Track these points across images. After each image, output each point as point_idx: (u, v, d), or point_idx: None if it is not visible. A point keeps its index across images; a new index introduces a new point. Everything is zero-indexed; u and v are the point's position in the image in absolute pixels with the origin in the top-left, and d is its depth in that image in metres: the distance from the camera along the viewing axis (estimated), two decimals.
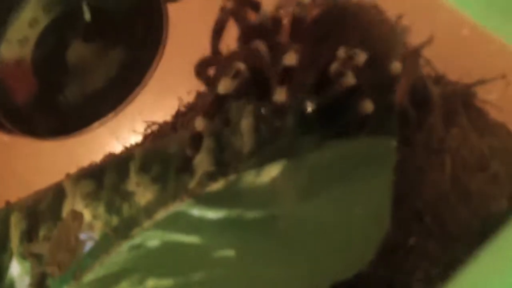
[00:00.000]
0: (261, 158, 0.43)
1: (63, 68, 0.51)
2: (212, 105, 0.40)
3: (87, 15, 0.50)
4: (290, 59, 0.38)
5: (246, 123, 0.48)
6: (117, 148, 0.53)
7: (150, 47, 0.54)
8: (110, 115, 0.52)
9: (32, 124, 0.51)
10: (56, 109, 0.52)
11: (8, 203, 0.48)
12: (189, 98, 0.57)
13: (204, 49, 0.57)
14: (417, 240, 0.42)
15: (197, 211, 0.39)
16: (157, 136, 0.55)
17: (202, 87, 0.59)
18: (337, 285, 0.36)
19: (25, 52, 0.48)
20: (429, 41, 0.48)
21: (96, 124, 0.52)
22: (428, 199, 0.44)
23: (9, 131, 0.49)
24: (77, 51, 0.52)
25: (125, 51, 0.54)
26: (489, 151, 0.47)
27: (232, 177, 0.41)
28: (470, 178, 0.45)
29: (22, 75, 0.48)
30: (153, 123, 0.57)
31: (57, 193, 0.45)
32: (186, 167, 0.45)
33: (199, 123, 0.40)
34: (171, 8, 0.55)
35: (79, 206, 0.43)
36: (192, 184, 0.44)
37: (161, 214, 0.40)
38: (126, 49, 0.54)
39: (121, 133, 0.56)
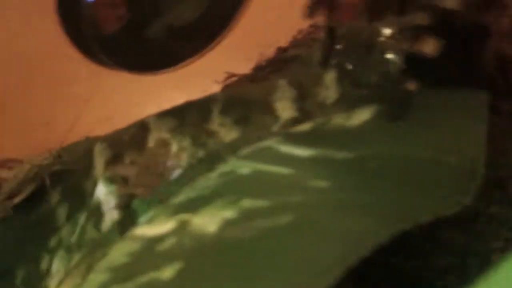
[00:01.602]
0: (349, 105, 0.43)
1: (152, 1, 0.52)
2: None
3: None
4: None
5: (330, 76, 0.48)
6: (196, 95, 0.53)
7: None
8: (192, 59, 0.53)
9: (120, 55, 0.51)
10: (144, 42, 0.52)
11: (88, 137, 0.49)
12: (270, 53, 0.57)
13: (288, 5, 0.58)
14: (498, 209, 0.41)
15: (284, 148, 0.39)
16: (236, 86, 0.56)
17: (283, 43, 0.59)
18: (412, 250, 0.36)
19: None
20: None
21: (181, 64, 0.53)
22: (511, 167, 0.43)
23: (99, 61, 0.49)
24: None
25: None
26: None
27: (320, 119, 0.41)
28: None
29: (115, 3, 0.49)
30: (233, 74, 0.57)
31: (141, 127, 0.45)
32: (267, 111, 0.45)
33: None
34: None
35: (165, 137, 0.43)
36: (275, 127, 0.44)
37: (247, 150, 0.40)
38: None
39: (201, 82, 0.56)
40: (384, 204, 0.32)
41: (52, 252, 0.40)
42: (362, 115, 0.39)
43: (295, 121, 0.44)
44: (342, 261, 0.27)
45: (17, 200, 0.44)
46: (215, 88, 0.57)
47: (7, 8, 0.52)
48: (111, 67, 0.51)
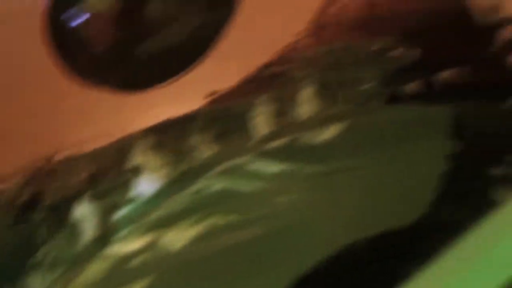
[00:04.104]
0: (320, 121, 0.44)
1: (140, 23, 0.53)
2: None
3: None
4: None
5: (308, 93, 0.49)
6: (180, 111, 0.54)
7: (223, 11, 0.55)
8: (177, 76, 0.54)
9: (106, 75, 0.53)
10: (129, 64, 0.54)
11: (72, 155, 0.50)
12: (254, 69, 0.58)
13: (273, 22, 0.59)
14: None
15: (257, 164, 0.40)
16: (219, 103, 0.57)
17: (267, 59, 0.60)
18: None
19: (110, 2, 0.50)
20: None
21: (168, 81, 0.54)
22: None
23: (84, 81, 0.51)
24: (155, 7, 0.53)
25: (200, 12, 0.55)
26: None
27: (292, 135, 0.43)
28: None
29: (104, 25, 0.50)
30: (217, 90, 0.58)
31: (122, 145, 0.47)
32: (246, 127, 0.46)
33: None
34: None
35: (143, 157, 0.44)
36: (252, 143, 0.45)
37: (222, 167, 0.41)
38: (201, 10, 0.55)
39: (186, 97, 0.57)
40: (348, 214, 0.33)
41: (30, 272, 0.41)
42: (331, 130, 0.41)
43: (271, 136, 0.45)
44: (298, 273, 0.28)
45: (19, 203, 0.45)
46: (201, 104, 0.58)
47: None
48: (100, 86, 0.53)
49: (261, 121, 0.47)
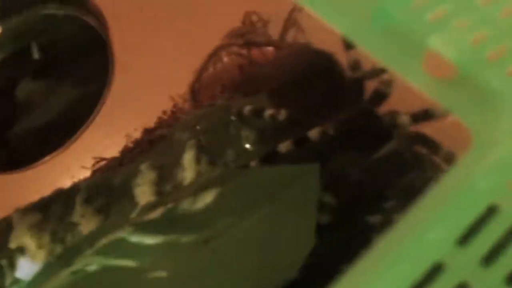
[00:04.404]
0: (197, 187, 0.45)
1: (12, 104, 0.54)
2: None
3: (36, 54, 0.53)
4: None
5: (188, 157, 0.50)
6: (66, 183, 0.55)
7: (97, 84, 0.56)
8: (59, 150, 0.55)
9: None
10: (6, 144, 0.54)
11: None
12: (136, 135, 0.60)
13: (151, 88, 0.60)
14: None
15: (135, 238, 0.41)
16: (105, 171, 0.57)
17: (148, 124, 0.61)
18: None
19: None
20: None
21: (45, 159, 0.54)
22: None
23: None
24: (26, 88, 0.54)
25: (73, 88, 0.56)
26: None
27: (170, 205, 0.44)
28: None
29: None
30: (102, 159, 0.59)
31: (5, 225, 0.47)
32: (129, 197, 0.47)
33: None
34: (120, 47, 0.58)
35: (25, 237, 0.45)
36: (133, 214, 0.46)
37: (102, 242, 0.42)
38: (74, 86, 0.56)
39: (70, 169, 0.58)
40: (228, 278, 0.34)
41: None
42: (206, 198, 0.42)
43: (151, 206, 0.46)
44: None
45: None
46: (86, 174, 0.59)
47: None
48: None
49: (143, 190, 0.48)
